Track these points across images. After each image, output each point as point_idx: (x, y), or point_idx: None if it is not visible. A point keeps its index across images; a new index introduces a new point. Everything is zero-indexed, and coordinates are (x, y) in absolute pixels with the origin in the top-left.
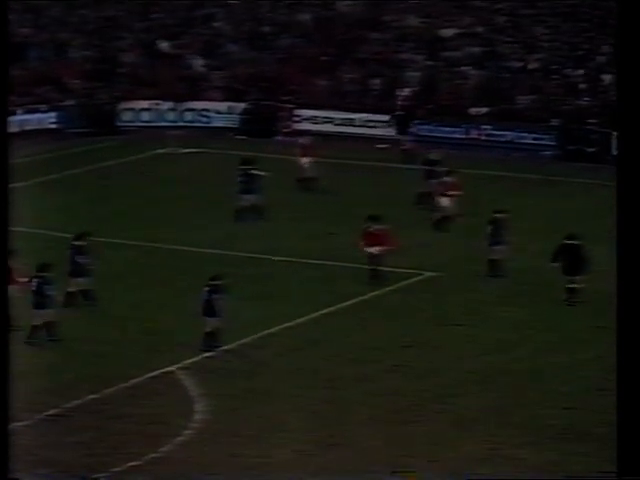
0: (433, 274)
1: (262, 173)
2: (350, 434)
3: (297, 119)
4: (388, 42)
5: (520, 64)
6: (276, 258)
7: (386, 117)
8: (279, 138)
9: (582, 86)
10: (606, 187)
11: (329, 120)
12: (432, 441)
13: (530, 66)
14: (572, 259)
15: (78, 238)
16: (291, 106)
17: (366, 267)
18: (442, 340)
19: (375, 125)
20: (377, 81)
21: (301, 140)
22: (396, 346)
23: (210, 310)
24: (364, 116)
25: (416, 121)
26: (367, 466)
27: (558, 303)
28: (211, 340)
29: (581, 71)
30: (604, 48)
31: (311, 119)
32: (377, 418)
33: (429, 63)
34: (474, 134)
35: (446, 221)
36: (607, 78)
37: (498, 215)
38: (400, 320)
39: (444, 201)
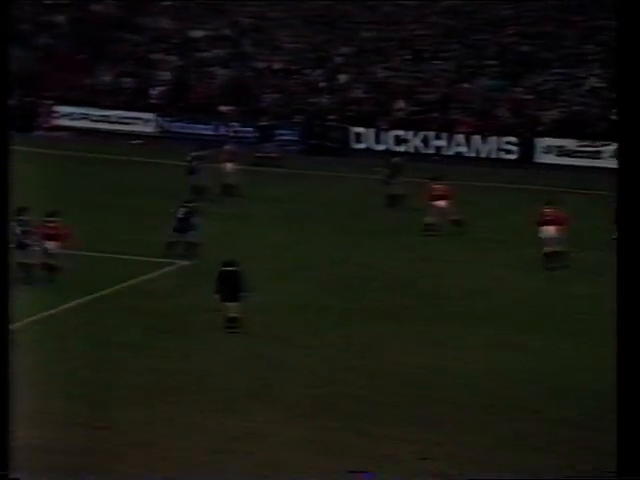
0: (186, 263)
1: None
2: (115, 415)
3: (56, 115)
4: (141, 43)
5: (264, 64)
6: None
7: (149, 115)
8: (39, 133)
9: (322, 85)
10: (347, 179)
11: (85, 116)
12: (188, 421)
13: (274, 66)
14: (229, 286)
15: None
16: (50, 102)
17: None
18: (196, 326)
19: (129, 122)
20: (131, 80)
21: (226, 147)
22: (152, 333)
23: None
24: (119, 113)
25: (168, 118)
26: (126, 447)
27: (315, 286)
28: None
29: (320, 71)
30: (341, 49)
31: (69, 115)
32: (136, 400)
33: (180, 63)
34: (223, 131)
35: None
36: (343, 77)
37: (189, 205)
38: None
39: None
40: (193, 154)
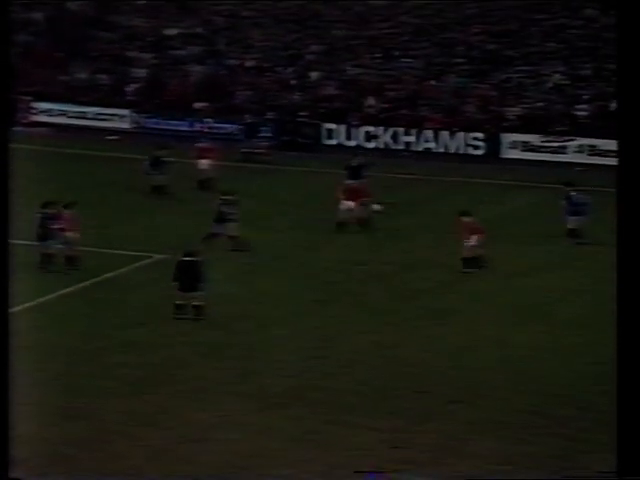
0: (161, 256)
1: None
2: (89, 405)
3: (34, 111)
4: (116, 40)
5: (238, 62)
6: None
7: (124, 111)
8: (18, 129)
9: (293, 82)
10: (318, 174)
11: (63, 113)
12: (163, 410)
13: (247, 64)
14: (188, 276)
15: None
16: (29, 98)
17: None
18: (168, 317)
19: (105, 118)
20: (107, 77)
21: (200, 143)
22: (127, 325)
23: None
24: (95, 109)
25: (143, 115)
26: (102, 436)
27: (285, 278)
28: None
29: (292, 69)
30: (312, 48)
31: (47, 111)
32: (111, 390)
33: (155, 61)
34: (198, 127)
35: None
36: (315, 75)
37: (226, 197)
38: (135, 299)
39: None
40: (155, 152)
